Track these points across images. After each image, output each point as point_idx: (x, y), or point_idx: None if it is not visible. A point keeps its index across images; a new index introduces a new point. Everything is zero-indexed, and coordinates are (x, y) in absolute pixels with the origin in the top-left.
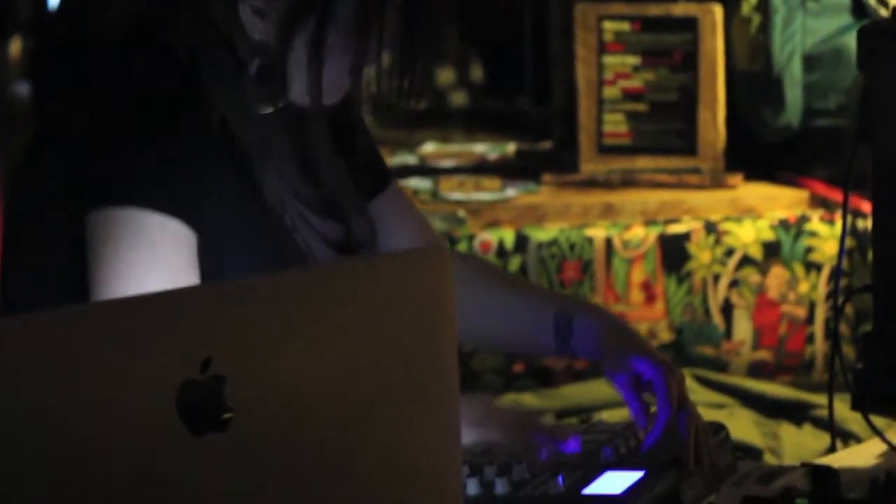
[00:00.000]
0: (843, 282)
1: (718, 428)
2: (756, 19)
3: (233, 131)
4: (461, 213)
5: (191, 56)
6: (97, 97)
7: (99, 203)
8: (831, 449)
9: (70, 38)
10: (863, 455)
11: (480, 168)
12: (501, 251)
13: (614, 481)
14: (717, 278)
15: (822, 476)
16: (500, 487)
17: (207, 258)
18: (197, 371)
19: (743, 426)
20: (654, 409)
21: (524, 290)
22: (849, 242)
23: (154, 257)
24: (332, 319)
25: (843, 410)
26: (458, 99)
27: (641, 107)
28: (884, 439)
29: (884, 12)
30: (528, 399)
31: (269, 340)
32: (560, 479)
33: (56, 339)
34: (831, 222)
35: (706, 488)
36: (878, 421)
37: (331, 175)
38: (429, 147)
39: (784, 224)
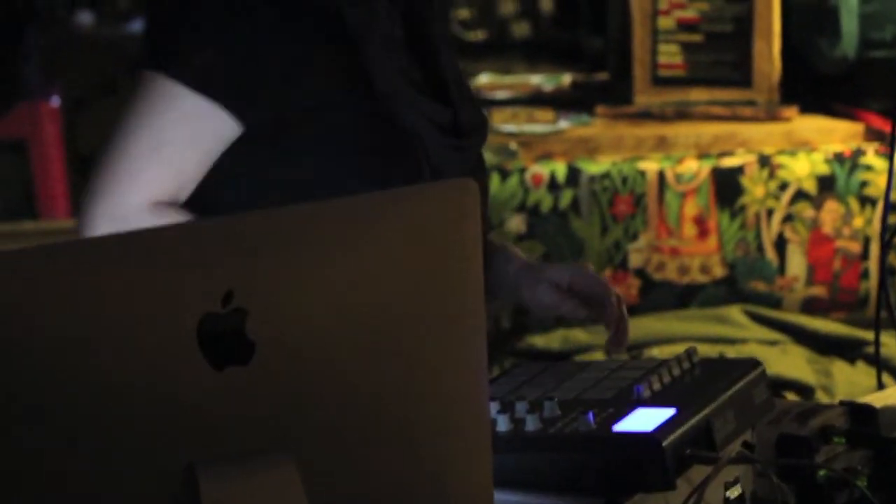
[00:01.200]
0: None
1: (754, 364)
2: None
3: (342, 14)
4: (513, 145)
5: None
6: None
7: (156, 66)
8: (879, 387)
9: None
10: None
11: (535, 100)
12: (553, 184)
13: (645, 418)
14: (770, 213)
15: (860, 414)
16: (531, 424)
17: (309, 147)
18: (218, 304)
19: (795, 363)
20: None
21: None
22: None
23: (172, 137)
24: (355, 251)
25: (895, 348)
26: (521, 30)
27: (696, 37)
28: None
29: None
30: (579, 335)
31: (291, 273)
32: (591, 416)
33: (75, 270)
34: (887, 156)
35: (740, 425)
36: None
37: (441, 58)
38: (483, 78)
39: (839, 157)
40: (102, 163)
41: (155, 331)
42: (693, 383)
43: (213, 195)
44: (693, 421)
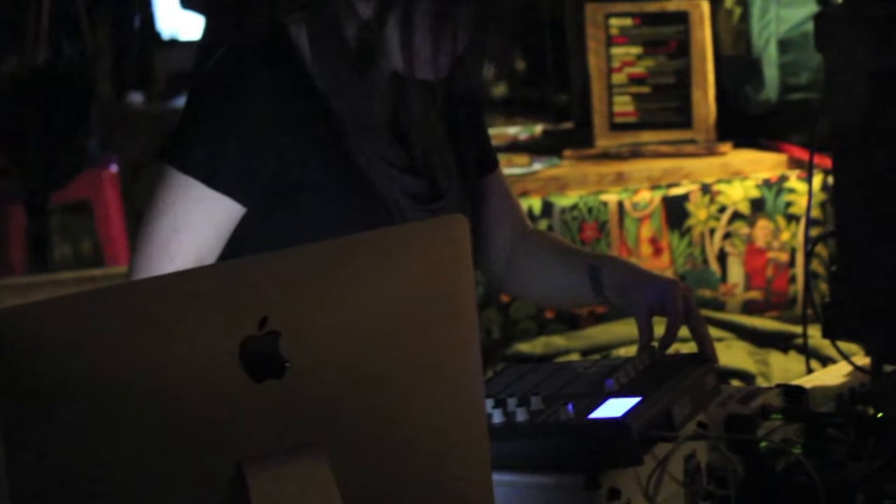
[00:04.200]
0: (818, 229)
1: (704, 357)
2: (737, 11)
3: (333, 108)
4: None
5: (311, 50)
6: (210, 82)
7: (170, 160)
8: (808, 371)
9: (215, 48)
10: (832, 375)
11: (512, 147)
12: (531, 216)
13: (616, 406)
14: (712, 232)
15: (793, 395)
16: (521, 416)
17: (303, 213)
18: (256, 328)
19: (739, 356)
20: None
21: (568, 254)
22: (823, 196)
23: (187, 221)
24: (367, 281)
25: (820, 338)
26: (499, 90)
27: (645, 89)
28: (849, 361)
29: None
30: (558, 340)
31: (316, 300)
32: (570, 406)
33: (136, 306)
34: (807, 180)
35: (694, 409)
36: (847, 346)
37: (423, 137)
38: None
39: (767, 183)
40: (137, 244)
41: (204, 353)
42: (654, 375)
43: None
44: (656, 407)
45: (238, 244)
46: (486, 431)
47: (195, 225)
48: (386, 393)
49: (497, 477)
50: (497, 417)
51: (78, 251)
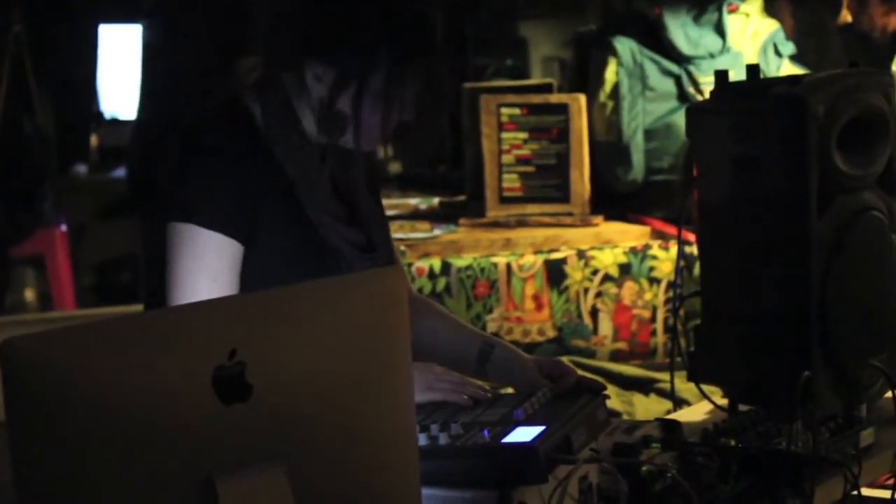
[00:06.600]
0: (678, 290)
1: (597, 392)
2: (610, 104)
3: (286, 171)
4: (402, 247)
5: (264, 120)
6: (191, 149)
7: (173, 217)
8: (672, 410)
9: (178, 119)
10: (697, 413)
11: (414, 215)
12: (431, 274)
13: (524, 433)
14: (586, 291)
15: (669, 427)
16: (442, 440)
17: (265, 257)
18: (226, 358)
19: None
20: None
21: (460, 326)
22: (682, 263)
23: (201, 264)
24: (320, 319)
25: (679, 383)
26: (395, 167)
27: (530, 168)
28: (710, 401)
29: (699, 97)
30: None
31: (278, 336)
32: (486, 432)
33: (120, 338)
34: (666, 249)
35: (589, 437)
36: (706, 388)
37: (358, 197)
38: None
39: (633, 251)
40: (180, 298)
41: (182, 379)
42: (555, 408)
43: None
44: (558, 434)
45: None
46: (416, 451)
47: (225, 272)
48: (335, 415)
49: (423, 491)
50: (422, 440)
51: (21, 298)
